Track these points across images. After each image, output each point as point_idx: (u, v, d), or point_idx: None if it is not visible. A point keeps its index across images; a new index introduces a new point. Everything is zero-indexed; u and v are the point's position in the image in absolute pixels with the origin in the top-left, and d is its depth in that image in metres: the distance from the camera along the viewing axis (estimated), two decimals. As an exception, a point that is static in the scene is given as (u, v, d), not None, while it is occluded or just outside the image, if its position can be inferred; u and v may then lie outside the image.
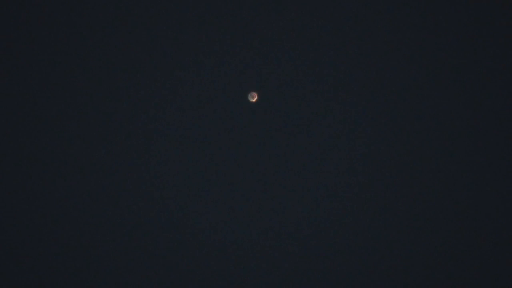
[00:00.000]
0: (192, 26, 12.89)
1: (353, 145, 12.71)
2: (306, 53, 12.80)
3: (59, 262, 12.63)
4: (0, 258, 12.57)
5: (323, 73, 12.79)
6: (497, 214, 12.47)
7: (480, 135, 12.63)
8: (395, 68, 12.73)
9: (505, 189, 12.48)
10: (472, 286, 12.40)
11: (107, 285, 12.59)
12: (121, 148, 12.77)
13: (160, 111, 12.85)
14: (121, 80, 12.86)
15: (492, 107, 12.64)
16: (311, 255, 12.61)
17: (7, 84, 12.83)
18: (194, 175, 12.79)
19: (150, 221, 12.71)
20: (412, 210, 12.59)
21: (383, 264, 12.53)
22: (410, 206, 12.61)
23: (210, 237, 12.72)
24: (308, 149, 12.77)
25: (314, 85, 12.80)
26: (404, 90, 12.72)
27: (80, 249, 12.65)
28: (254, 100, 12.73)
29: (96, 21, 12.92)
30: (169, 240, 12.69)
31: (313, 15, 12.79)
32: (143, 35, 12.87)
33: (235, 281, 12.63)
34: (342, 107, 12.77)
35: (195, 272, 12.66)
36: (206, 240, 12.70)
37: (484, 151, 12.61)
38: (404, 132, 12.67)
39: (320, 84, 12.80)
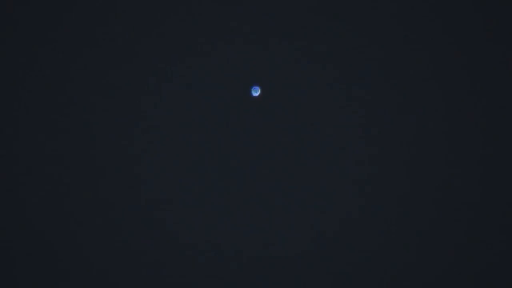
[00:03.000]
0: (195, 19, 12.90)
1: (357, 143, 12.74)
2: (311, 48, 12.82)
3: (58, 262, 12.58)
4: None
5: (328, 70, 12.83)
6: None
7: (482, 135, 12.68)
8: (401, 65, 12.78)
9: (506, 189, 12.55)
10: (472, 286, 12.45)
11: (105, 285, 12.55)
12: (120, 147, 12.74)
13: (162, 108, 12.84)
14: (120, 76, 12.85)
15: (499, 108, 12.70)
16: (313, 255, 12.60)
17: (6, 84, 12.80)
18: (196, 172, 12.77)
19: (150, 220, 12.68)
20: (418, 210, 12.62)
21: (385, 265, 12.54)
22: (415, 206, 12.64)
23: (211, 237, 12.69)
24: (311, 146, 12.78)
25: (319, 81, 12.83)
26: (410, 89, 12.76)
27: (78, 249, 12.60)
28: (257, 94, 12.75)
29: (96, 16, 12.90)
30: (170, 239, 12.65)
31: (319, 10, 12.82)
32: (144, 30, 12.86)
33: (236, 282, 12.60)
34: (349, 103, 12.80)
35: (195, 273, 12.63)
36: (208, 240, 12.67)
37: (489, 152, 12.65)
38: (410, 130, 12.71)
39: (325, 80, 12.83)
